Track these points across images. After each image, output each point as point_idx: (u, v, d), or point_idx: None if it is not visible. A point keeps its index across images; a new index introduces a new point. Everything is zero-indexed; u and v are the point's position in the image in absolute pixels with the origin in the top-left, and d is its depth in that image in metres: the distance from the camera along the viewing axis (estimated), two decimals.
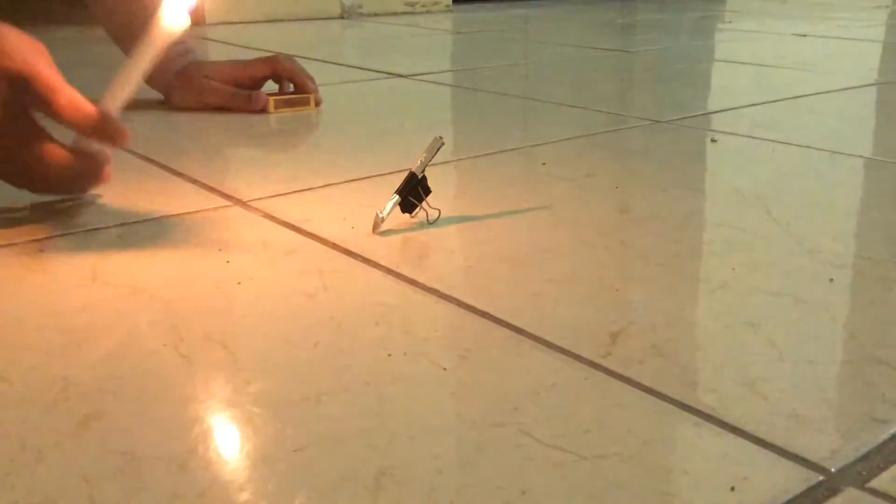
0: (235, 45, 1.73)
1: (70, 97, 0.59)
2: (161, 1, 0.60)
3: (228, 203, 0.67)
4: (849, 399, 0.40)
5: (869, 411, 0.38)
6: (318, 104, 1.05)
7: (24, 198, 0.64)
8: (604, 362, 0.42)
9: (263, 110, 1.01)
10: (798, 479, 0.33)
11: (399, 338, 0.45)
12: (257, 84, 1.04)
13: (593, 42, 1.78)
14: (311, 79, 1.05)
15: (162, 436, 0.36)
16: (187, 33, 1.01)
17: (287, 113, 1.02)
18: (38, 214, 0.65)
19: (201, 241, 0.59)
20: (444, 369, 0.42)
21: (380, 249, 0.57)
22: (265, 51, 1.63)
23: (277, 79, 1.04)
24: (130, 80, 0.63)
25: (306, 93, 1.03)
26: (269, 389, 0.40)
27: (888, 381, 0.40)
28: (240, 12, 2.13)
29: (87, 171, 0.63)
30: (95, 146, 0.63)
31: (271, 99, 1.01)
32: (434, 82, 1.28)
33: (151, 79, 1.02)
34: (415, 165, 0.60)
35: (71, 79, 0.61)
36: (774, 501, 0.32)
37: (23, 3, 2.14)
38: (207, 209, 0.66)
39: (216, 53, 1.64)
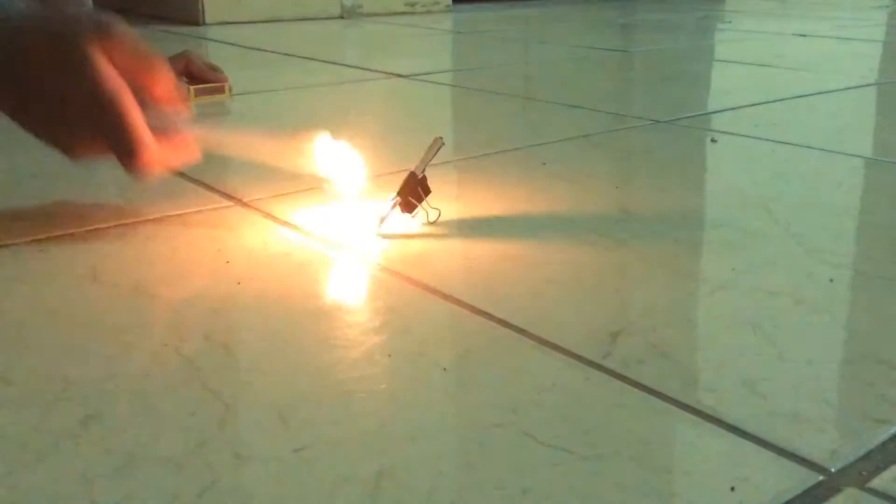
0: (235, 45, 1.73)
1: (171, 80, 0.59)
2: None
3: (228, 203, 0.67)
4: (849, 399, 0.40)
5: (869, 411, 0.38)
6: (230, 91, 1.12)
7: (25, 198, 0.64)
8: (604, 362, 0.42)
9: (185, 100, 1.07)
10: (798, 479, 0.33)
11: (399, 338, 0.45)
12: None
13: (593, 42, 1.78)
14: (221, 70, 1.12)
15: (162, 436, 0.36)
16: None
17: (205, 100, 1.08)
18: (38, 214, 0.65)
19: (201, 241, 0.59)
20: (444, 369, 0.42)
21: (380, 249, 0.57)
22: (266, 51, 1.63)
23: (189, 74, 1.10)
24: None
25: (220, 82, 1.11)
26: (269, 389, 0.40)
27: (888, 381, 0.40)
28: (240, 12, 2.14)
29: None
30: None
31: (191, 88, 1.07)
32: (434, 82, 1.28)
33: None
34: (415, 165, 0.60)
35: None
36: (774, 501, 0.32)
37: None
38: (207, 209, 0.66)
39: (216, 53, 1.64)
